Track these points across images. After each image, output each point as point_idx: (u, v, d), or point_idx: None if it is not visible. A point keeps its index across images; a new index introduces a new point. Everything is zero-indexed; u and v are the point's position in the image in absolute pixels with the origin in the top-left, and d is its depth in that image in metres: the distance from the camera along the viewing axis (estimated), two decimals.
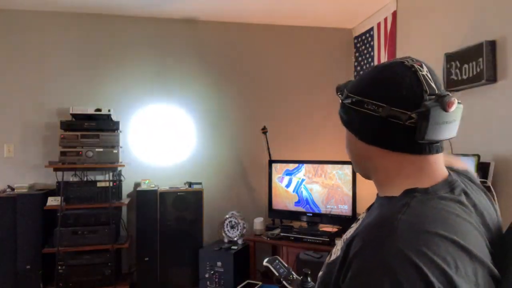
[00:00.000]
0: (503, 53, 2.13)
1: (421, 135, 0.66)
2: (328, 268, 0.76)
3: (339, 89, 0.80)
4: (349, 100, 0.74)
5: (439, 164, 0.72)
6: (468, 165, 0.96)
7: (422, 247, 0.57)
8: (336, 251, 0.77)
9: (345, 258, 0.65)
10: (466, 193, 0.70)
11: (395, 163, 0.72)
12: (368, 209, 0.84)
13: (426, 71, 0.70)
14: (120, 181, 3.33)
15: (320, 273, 0.82)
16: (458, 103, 0.68)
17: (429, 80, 0.68)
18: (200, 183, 3.48)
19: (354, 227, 0.84)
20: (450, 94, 0.67)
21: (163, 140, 3.65)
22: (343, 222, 3.08)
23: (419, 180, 0.69)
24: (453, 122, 0.69)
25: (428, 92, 0.67)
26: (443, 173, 0.72)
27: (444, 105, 0.65)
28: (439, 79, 0.72)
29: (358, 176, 2.99)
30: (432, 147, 0.70)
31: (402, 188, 0.69)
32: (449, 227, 0.60)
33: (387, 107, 0.68)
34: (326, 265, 0.78)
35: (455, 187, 0.69)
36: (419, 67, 0.69)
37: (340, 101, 0.78)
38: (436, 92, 0.68)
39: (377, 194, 0.78)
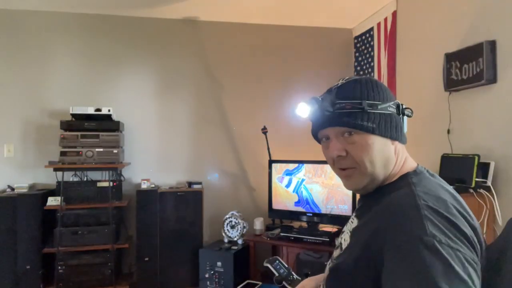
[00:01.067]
0: (503, 53, 2.13)
1: (404, 127, 0.85)
2: (342, 257, 0.81)
3: (341, 102, 0.82)
4: (382, 106, 0.81)
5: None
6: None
7: (443, 205, 0.69)
8: (345, 243, 0.84)
9: (371, 238, 0.72)
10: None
11: (401, 155, 0.85)
12: (357, 210, 0.90)
13: None
14: (120, 181, 3.33)
15: (326, 272, 0.85)
16: None
17: None
18: (200, 183, 3.48)
19: (356, 221, 0.88)
20: None
21: (163, 140, 3.65)
22: (343, 222, 3.07)
23: (406, 166, 0.85)
24: None
25: None
26: (412, 159, 0.88)
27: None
28: None
29: None
30: None
31: (395, 174, 0.83)
32: (450, 195, 0.74)
33: (399, 106, 0.84)
34: (338, 256, 0.84)
35: (426, 169, 0.85)
36: None
37: (367, 111, 0.80)
38: None
39: (361, 196, 0.89)
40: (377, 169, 0.81)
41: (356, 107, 0.79)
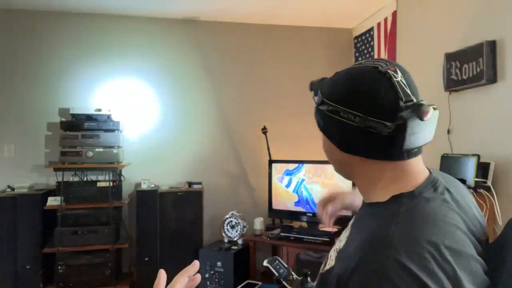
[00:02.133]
0: (503, 53, 2.13)
1: (400, 145, 0.66)
2: (321, 279, 0.75)
3: (313, 89, 0.78)
4: (325, 107, 0.72)
5: (420, 164, 0.73)
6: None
7: (419, 257, 0.58)
8: (330, 261, 0.77)
9: (342, 276, 0.64)
10: (448, 190, 0.71)
11: (375, 170, 0.72)
12: (355, 216, 0.83)
13: (401, 77, 0.68)
14: (120, 181, 3.33)
15: (315, 283, 0.81)
16: (434, 109, 0.68)
17: (404, 87, 0.67)
18: (200, 183, 3.48)
19: (345, 235, 0.84)
20: (424, 101, 0.67)
21: (163, 140, 3.65)
22: (343, 222, 3.07)
23: (403, 183, 0.70)
24: (429, 128, 0.69)
25: (404, 99, 0.66)
26: (425, 172, 0.73)
27: (420, 114, 0.65)
28: (414, 83, 0.71)
29: None
30: (410, 153, 0.70)
31: (387, 192, 0.70)
32: (440, 232, 0.62)
33: (364, 117, 0.67)
34: (320, 276, 0.78)
35: (437, 185, 0.70)
36: (393, 73, 0.68)
37: (315, 105, 0.76)
38: (411, 98, 0.67)
39: (363, 201, 0.78)
40: (333, 167, 0.81)
41: (315, 97, 0.75)
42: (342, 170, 0.79)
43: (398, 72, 0.69)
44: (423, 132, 0.68)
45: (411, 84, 0.69)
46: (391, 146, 0.67)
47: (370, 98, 0.67)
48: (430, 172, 0.74)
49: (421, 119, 0.65)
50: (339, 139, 0.73)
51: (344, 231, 0.85)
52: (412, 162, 0.71)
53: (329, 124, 0.73)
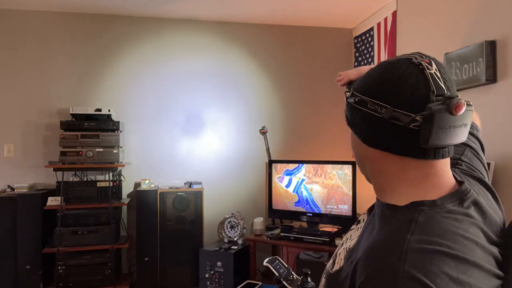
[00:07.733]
0: (503, 53, 2.13)
1: (425, 139, 0.62)
2: (331, 280, 0.74)
3: (348, 85, 0.77)
4: (353, 99, 0.70)
5: (446, 171, 0.68)
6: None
7: (435, 269, 0.55)
8: (339, 260, 0.75)
9: (353, 281, 0.63)
10: (476, 204, 0.67)
11: (397, 168, 0.68)
12: (370, 210, 0.80)
13: (435, 70, 0.64)
14: (120, 181, 3.33)
15: (323, 280, 0.80)
16: (469, 105, 0.64)
17: (437, 80, 0.63)
18: (200, 183, 3.48)
19: (354, 229, 0.81)
20: (458, 96, 0.63)
21: (163, 140, 3.65)
22: (343, 222, 3.08)
23: (424, 189, 0.67)
24: (462, 127, 0.64)
25: (436, 92, 0.62)
26: (451, 181, 0.69)
27: (450, 108, 0.61)
28: (451, 78, 0.67)
29: (358, 176, 3.01)
30: (437, 152, 0.65)
31: (406, 197, 0.67)
32: (458, 247, 0.59)
33: (390, 108, 0.64)
34: (329, 276, 0.76)
35: (465, 198, 0.66)
36: (427, 64, 0.64)
37: (345, 99, 0.74)
38: (445, 92, 0.63)
39: (377, 199, 0.75)
40: (357, 163, 0.77)
41: (349, 96, 0.74)
42: (364, 166, 0.75)
43: (433, 64, 0.65)
44: (454, 130, 0.63)
45: (446, 79, 0.65)
46: (416, 141, 0.63)
47: (397, 88, 0.64)
48: (462, 183, 0.70)
49: (451, 112, 0.61)
50: (363, 132, 0.70)
51: (356, 227, 0.82)
52: (437, 164, 0.67)
53: (355, 117, 0.71)
